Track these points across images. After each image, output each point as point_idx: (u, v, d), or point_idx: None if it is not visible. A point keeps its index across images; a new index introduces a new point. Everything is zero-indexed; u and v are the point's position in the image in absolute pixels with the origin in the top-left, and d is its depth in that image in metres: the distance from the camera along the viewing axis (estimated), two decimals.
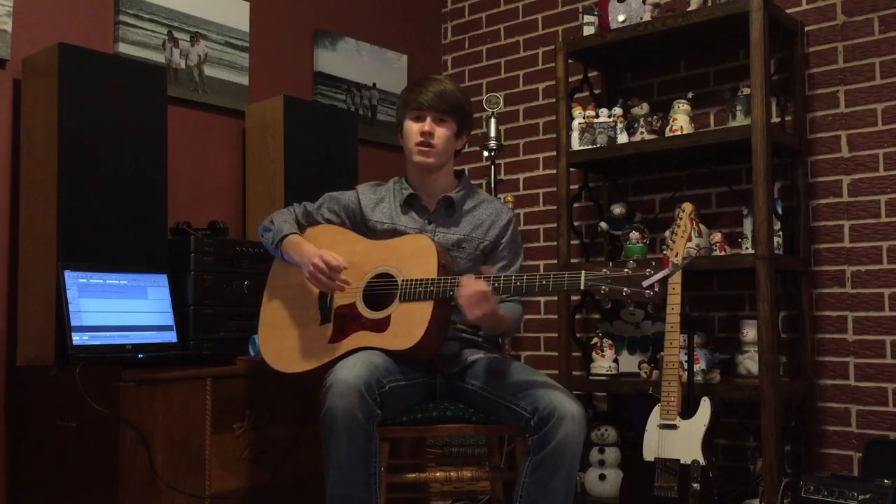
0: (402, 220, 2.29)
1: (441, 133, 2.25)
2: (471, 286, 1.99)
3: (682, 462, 2.54)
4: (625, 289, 1.89)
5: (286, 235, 2.29)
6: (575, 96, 3.39)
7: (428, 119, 2.24)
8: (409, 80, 3.87)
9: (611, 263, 1.95)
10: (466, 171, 3.98)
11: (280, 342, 2.26)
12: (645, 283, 1.86)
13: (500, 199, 3.50)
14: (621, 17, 3.17)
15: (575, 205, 3.48)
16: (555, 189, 3.39)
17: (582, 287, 1.93)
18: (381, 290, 2.17)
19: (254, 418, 2.58)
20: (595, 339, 3.23)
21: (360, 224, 2.34)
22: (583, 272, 1.94)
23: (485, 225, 2.31)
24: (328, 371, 2.01)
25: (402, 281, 2.12)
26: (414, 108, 2.26)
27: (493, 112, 3.46)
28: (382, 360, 2.05)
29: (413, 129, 2.26)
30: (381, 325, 2.12)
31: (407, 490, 2.82)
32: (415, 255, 2.14)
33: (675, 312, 2.64)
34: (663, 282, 1.88)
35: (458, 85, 2.34)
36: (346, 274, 2.17)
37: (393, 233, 2.27)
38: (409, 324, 2.09)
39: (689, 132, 3.05)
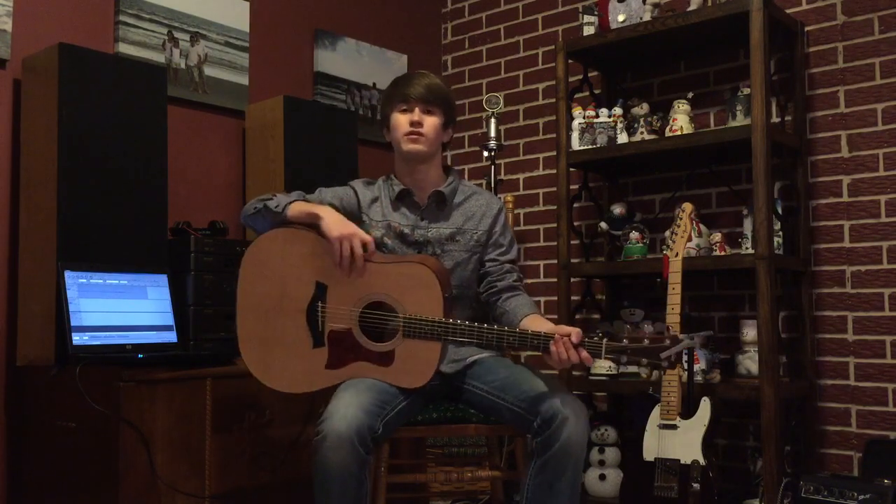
0: (395, 216, 2.28)
1: (430, 122, 2.25)
2: (569, 354, 1.98)
3: (682, 462, 2.54)
4: (643, 359, 1.97)
5: (296, 200, 2.20)
6: (575, 96, 3.39)
7: (416, 109, 2.24)
8: None
9: (628, 327, 2.03)
10: (466, 171, 3.99)
11: (269, 358, 2.15)
12: (663, 355, 1.94)
13: (499, 198, 3.50)
14: (621, 17, 3.17)
15: (575, 205, 3.48)
16: (555, 189, 3.39)
17: (602, 357, 1.99)
18: (380, 321, 2.10)
19: (254, 418, 2.58)
20: (595, 339, 3.23)
21: (356, 220, 2.31)
22: (605, 340, 1.99)
23: (476, 216, 2.31)
24: (321, 416, 1.95)
25: (406, 317, 2.06)
26: (400, 101, 2.26)
27: (493, 112, 3.45)
28: (378, 393, 2.02)
29: (401, 120, 2.25)
30: (384, 359, 2.08)
31: (407, 490, 2.82)
32: (415, 287, 2.08)
33: (675, 312, 2.64)
34: (679, 352, 1.96)
35: (441, 78, 2.35)
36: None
37: (388, 229, 2.26)
38: (416, 362, 2.05)
39: (689, 132, 3.05)
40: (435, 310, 2.05)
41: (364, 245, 2.09)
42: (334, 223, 2.11)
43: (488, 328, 2.04)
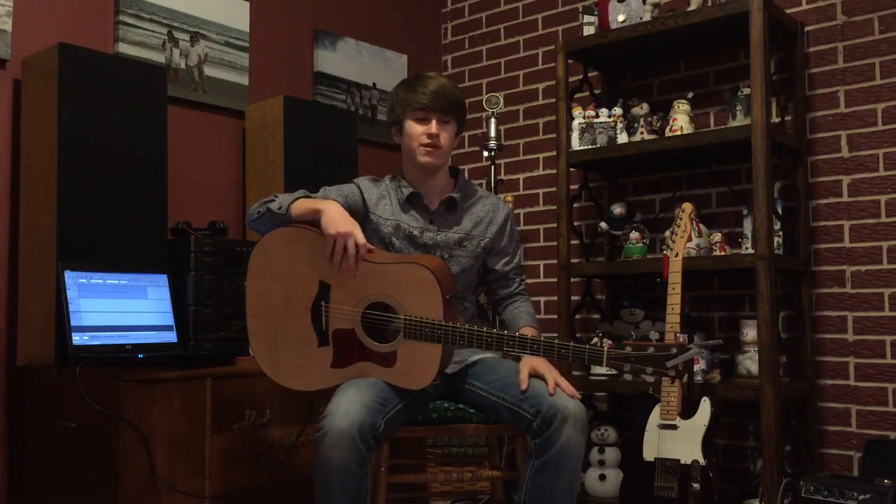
0: (405, 218, 2.28)
1: (446, 135, 2.25)
2: (545, 371, 2.10)
3: (682, 462, 2.54)
4: (648, 368, 1.91)
5: (299, 198, 2.17)
6: (575, 96, 3.39)
7: (433, 121, 2.22)
8: None
9: (632, 335, 1.95)
10: (466, 171, 3.99)
11: (276, 355, 2.17)
12: (669, 364, 1.87)
13: (500, 198, 3.50)
14: (621, 17, 3.17)
15: (575, 205, 3.48)
16: (555, 189, 3.39)
17: (603, 364, 1.94)
18: (381, 322, 2.11)
19: (254, 418, 2.58)
20: (595, 340, 3.23)
21: (361, 217, 2.28)
22: (606, 347, 1.95)
23: (484, 222, 2.31)
24: (323, 412, 1.96)
25: (406, 318, 2.06)
26: (417, 109, 2.23)
27: (493, 112, 3.45)
28: (379, 392, 2.02)
29: (417, 130, 2.23)
30: (387, 360, 2.07)
31: (407, 490, 2.82)
32: (416, 289, 2.07)
33: (675, 312, 2.64)
34: (687, 361, 1.89)
35: (451, 80, 2.34)
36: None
37: (396, 228, 2.26)
38: (417, 363, 2.05)
39: (689, 132, 3.05)
40: (435, 311, 2.04)
41: (356, 246, 2.07)
42: (332, 220, 2.08)
43: (488, 332, 2.03)
